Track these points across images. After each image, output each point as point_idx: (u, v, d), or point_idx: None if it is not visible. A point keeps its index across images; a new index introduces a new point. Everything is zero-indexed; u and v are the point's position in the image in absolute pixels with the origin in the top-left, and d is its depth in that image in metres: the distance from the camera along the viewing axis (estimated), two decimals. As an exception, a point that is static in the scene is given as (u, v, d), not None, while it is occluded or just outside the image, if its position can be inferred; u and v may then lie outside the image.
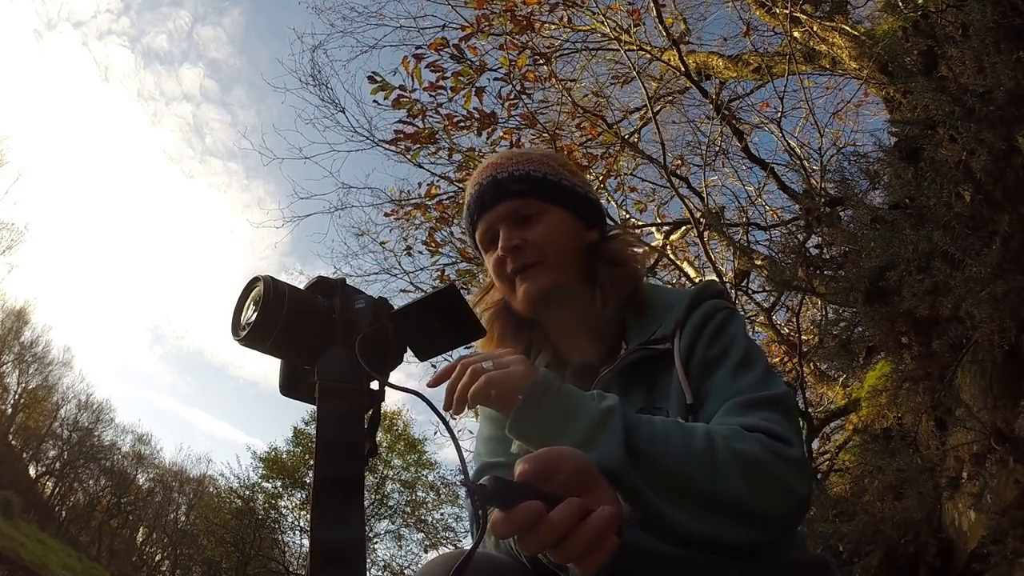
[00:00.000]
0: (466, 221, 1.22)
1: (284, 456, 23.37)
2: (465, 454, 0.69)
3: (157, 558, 34.64)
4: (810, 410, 4.43)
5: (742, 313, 5.27)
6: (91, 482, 33.09)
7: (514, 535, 0.65)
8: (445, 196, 5.57)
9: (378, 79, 5.22)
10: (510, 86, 5.21)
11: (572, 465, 0.71)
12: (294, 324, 0.70)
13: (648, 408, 1.02)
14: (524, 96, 5.29)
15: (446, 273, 5.73)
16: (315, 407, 0.67)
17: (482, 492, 0.63)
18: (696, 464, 0.81)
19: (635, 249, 1.20)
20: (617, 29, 5.61)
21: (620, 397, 0.96)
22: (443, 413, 0.72)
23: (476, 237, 1.20)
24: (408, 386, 0.71)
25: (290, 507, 23.13)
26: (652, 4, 5.06)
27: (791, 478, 0.85)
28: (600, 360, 1.11)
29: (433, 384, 0.89)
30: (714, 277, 5.08)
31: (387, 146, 5.55)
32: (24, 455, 31.28)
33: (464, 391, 0.86)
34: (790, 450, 0.87)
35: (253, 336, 0.70)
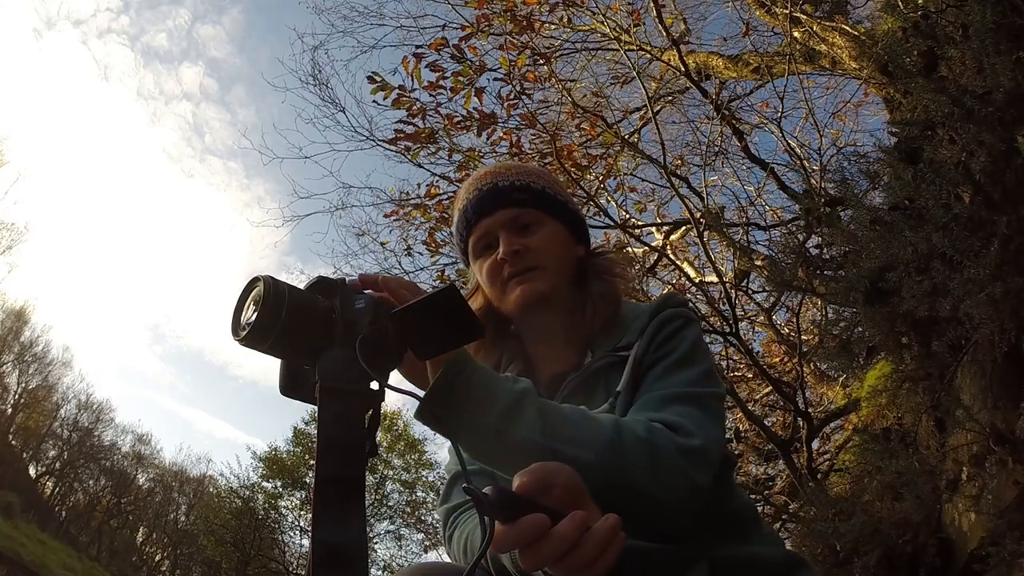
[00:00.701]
0: (460, 225, 1.24)
1: (284, 456, 23.35)
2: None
3: (157, 558, 34.65)
4: (810, 410, 4.43)
5: (742, 313, 5.28)
6: (91, 482, 33.12)
7: (516, 548, 0.64)
8: (445, 196, 5.56)
9: (378, 79, 5.22)
10: (510, 86, 5.21)
11: (564, 480, 0.71)
12: (294, 324, 0.70)
13: (608, 409, 1.05)
14: (524, 96, 5.29)
15: (446, 273, 5.73)
16: (315, 407, 0.67)
17: (485, 501, 0.61)
18: (602, 452, 0.85)
19: (619, 267, 1.26)
20: (617, 29, 5.61)
21: (583, 399, 1.00)
22: None
23: (469, 242, 1.22)
24: (408, 387, 0.71)
25: (290, 507, 23.12)
26: (652, 4, 5.06)
27: (690, 468, 0.88)
28: (570, 369, 1.14)
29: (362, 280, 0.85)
30: (714, 277, 5.07)
31: (387, 146, 5.55)
32: (24, 455, 31.28)
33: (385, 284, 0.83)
34: (689, 440, 0.90)
35: (253, 336, 0.70)
